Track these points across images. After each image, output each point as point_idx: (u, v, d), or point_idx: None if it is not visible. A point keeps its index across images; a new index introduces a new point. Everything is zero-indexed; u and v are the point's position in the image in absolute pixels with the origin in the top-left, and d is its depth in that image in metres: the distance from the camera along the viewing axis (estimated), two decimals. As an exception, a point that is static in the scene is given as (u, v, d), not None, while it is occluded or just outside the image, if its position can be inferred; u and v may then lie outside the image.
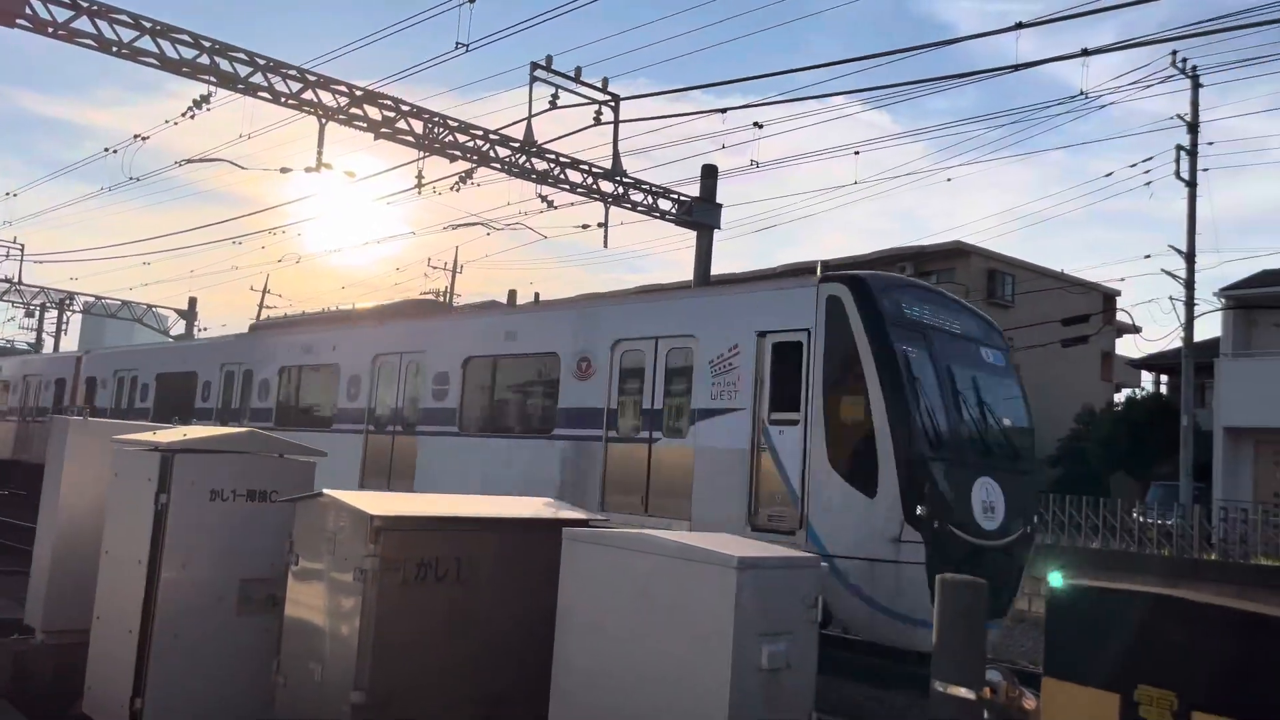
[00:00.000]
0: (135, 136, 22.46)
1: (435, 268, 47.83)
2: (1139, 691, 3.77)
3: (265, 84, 17.21)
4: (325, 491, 6.13)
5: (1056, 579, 3.95)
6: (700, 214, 23.09)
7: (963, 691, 3.84)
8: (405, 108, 18.76)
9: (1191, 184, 30.01)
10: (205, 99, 18.42)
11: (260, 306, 51.31)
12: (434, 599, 5.82)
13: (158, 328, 44.18)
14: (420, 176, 19.88)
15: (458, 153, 19.51)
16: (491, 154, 20.01)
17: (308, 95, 17.68)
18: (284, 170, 19.37)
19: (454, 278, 46.94)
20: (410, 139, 18.88)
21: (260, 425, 17.74)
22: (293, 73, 17.48)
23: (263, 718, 6.33)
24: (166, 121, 40.09)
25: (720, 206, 23.58)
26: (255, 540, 7.23)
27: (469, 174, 20.26)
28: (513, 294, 30.45)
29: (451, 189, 20.52)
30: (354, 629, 5.58)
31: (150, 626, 6.67)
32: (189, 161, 21.65)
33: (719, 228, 23.54)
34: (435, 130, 19.13)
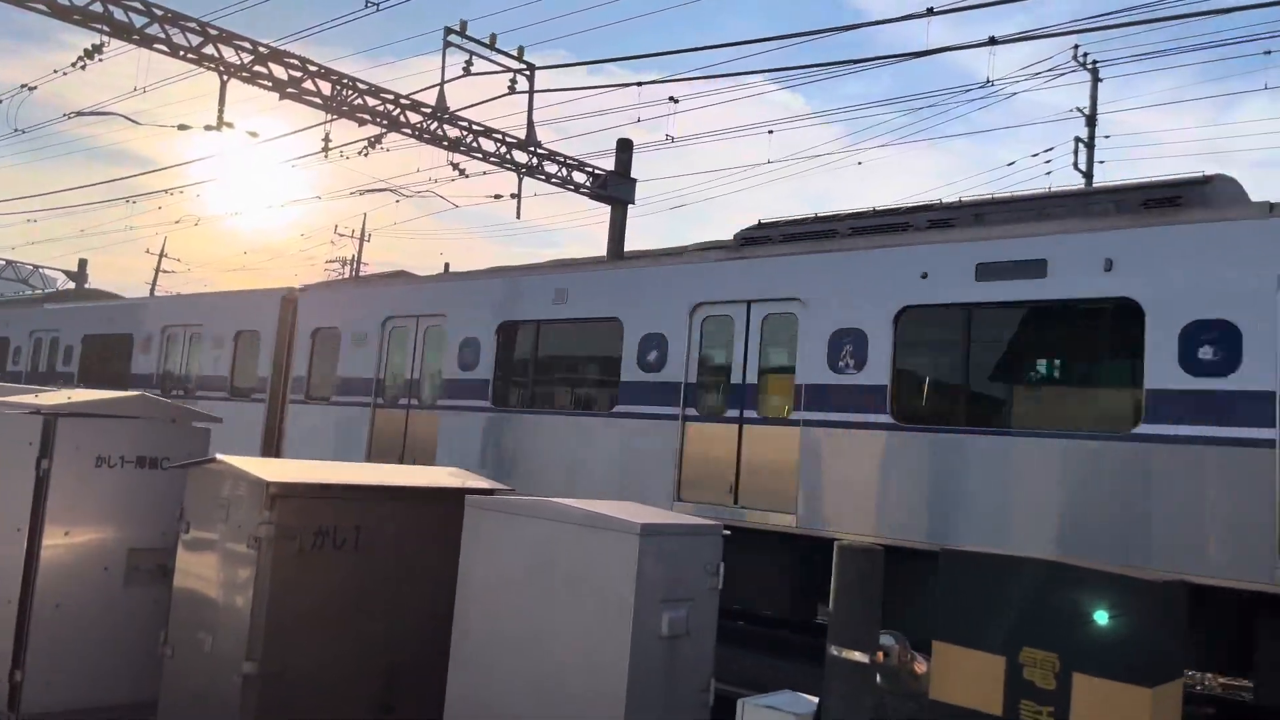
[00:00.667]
0: (21, 86, 21.30)
1: (342, 235, 46.71)
2: (1023, 654, 3.91)
3: (162, 35, 16.45)
4: (219, 457, 5.94)
5: None
6: (615, 188, 23.01)
7: (857, 655, 3.92)
8: (313, 68, 18.16)
9: (1088, 175, 31.08)
10: (98, 49, 17.52)
11: (157, 270, 49.38)
12: (332, 568, 5.71)
13: (45, 290, 42.20)
14: (327, 140, 19.27)
15: (367, 117, 18.98)
16: (402, 119, 19.54)
17: (208, 50, 16.97)
18: (182, 127, 18.59)
19: (362, 245, 45.92)
20: (317, 100, 18.29)
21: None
22: (192, 25, 16.76)
23: (151, 692, 6.14)
24: (56, 71, 38.06)
25: (635, 181, 23.52)
26: (145, 509, 6.98)
27: (378, 139, 19.75)
28: (447, 266, 29.81)
29: (360, 154, 19.96)
30: (247, 599, 5.44)
31: (30, 597, 6.40)
32: (79, 114, 20.60)
33: (633, 203, 23.48)
34: (344, 92, 18.58)
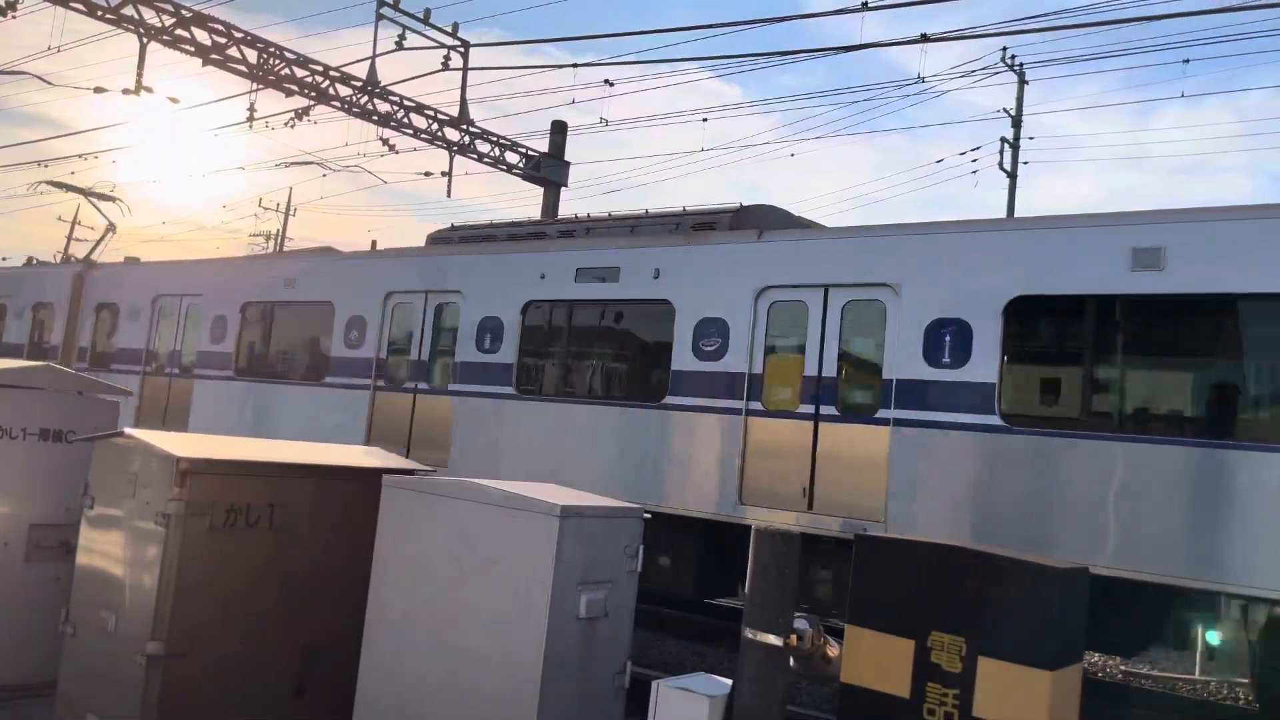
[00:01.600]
0: (-74, 41, 20.32)
1: (267, 208, 45.59)
2: (932, 637, 4.00)
3: (80, -6, 15.86)
4: (126, 431, 5.76)
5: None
6: (548, 170, 22.87)
7: (770, 638, 3.96)
8: (238, 34, 17.68)
9: (1012, 175, 31.82)
10: (11, 6, 16.79)
11: (69, 239, 47.58)
12: (244, 546, 5.58)
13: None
14: (252, 110, 18.80)
15: (294, 87, 18.57)
16: (331, 91, 19.16)
17: (128, 11, 16.40)
18: (98, 90, 17.93)
19: (287, 219, 44.89)
20: (243, 69, 17.82)
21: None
22: (112, -15, 16.18)
23: (51, 672, 5.93)
24: (-35, 29, 36.40)
25: (568, 164, 23.42)
26: (48, 483, 6.76)
27: (306, 111, 19.31)
28: (374, 243, 29.29)
29: (286, 125, 19.52)
30: (153, 577, 5.28)
31: (-79, 573, 6.14)
32: (-11, 73, 19.72)
33: (566, 185, 23.39)
34: (270, 61, 18.13)
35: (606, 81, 20.00)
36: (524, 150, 22.64)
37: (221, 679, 5.40)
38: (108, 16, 16.29)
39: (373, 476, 5.59)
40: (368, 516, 5.47)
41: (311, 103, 19.12)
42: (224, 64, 17.59)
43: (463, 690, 4.71)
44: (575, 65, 19.34)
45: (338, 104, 19.31)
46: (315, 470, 6.00)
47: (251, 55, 17.92)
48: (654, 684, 4.36)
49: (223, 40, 17.46)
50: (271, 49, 18.18)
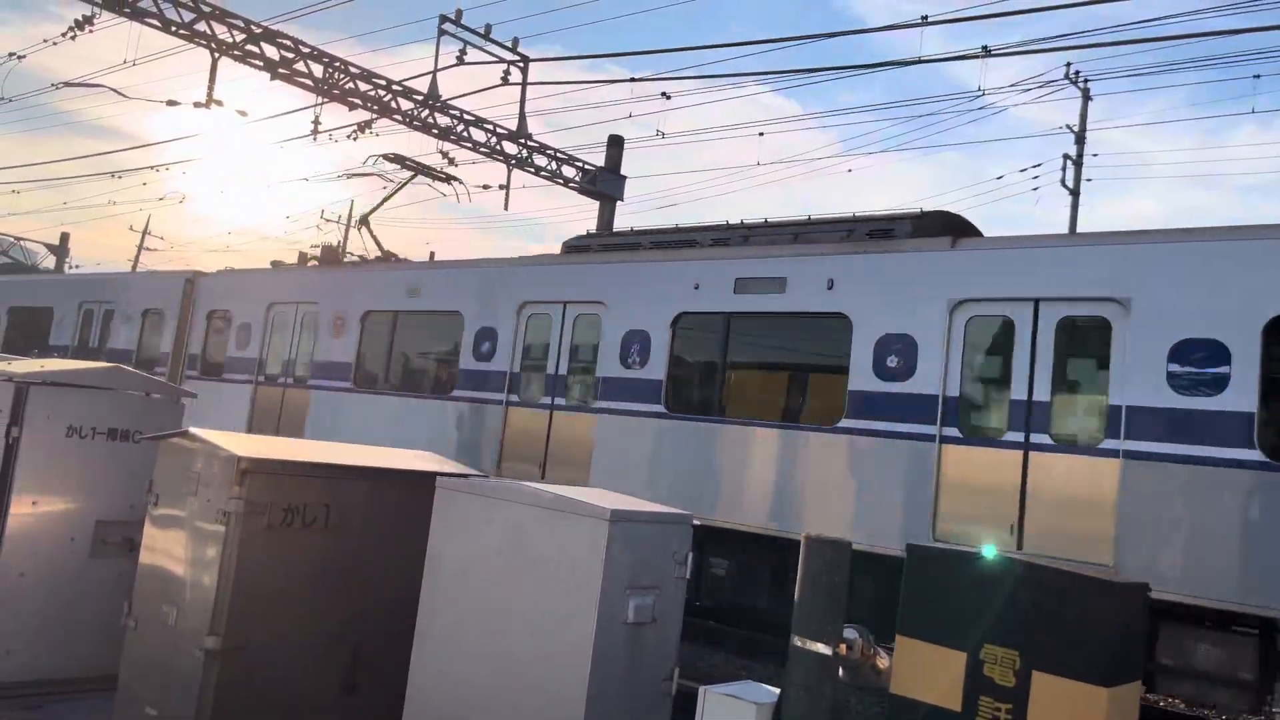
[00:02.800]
0: (10, 54, 21.15)
1: (329, 220, 46.42)
2: (985, 650, 3.93)
3: (155, 10, 16.38)
4: (190, 430, 5.90)
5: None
6: (604, 184, 23.01)
7: (820, 647, 3.93)
8: (305, 49, 18.11)
9: (1075, 193, 31.26)
10: (88, 20, 17.41)
11: (140, 248, 48.96)
12: (300, 545, 5.68)
13: (26, 262, 41.81)
14: (317, 122, 19.22)
15: (358, 101, 18.95)
16: (393, 105, 19.51)
17: (201, 26, 16.89)
18: (171, 103, 18.48)
19: (348, 230, 45.64)
20: (309, 82, 18.25)
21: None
22: (186, 1, 16.67)
23: (113, 664, 6.09)
24: (45, 41, 37.70)
25: (624, 178, 23.53)
26: (114, 481, 6.93)
27: (369, 124, 19.71)
28: (432, 255, 29.72)
29: (349, 137, 19.93)
30: (213, 574, 5.40)
31: (-6, 564, 6.35)
32: (67, 85, 20.42)
33: (622, 199, 23.50)
34: (335, 75, 18.53)
35: (664, 94, 20.10)
36: (581, 164, 22.82)
37: (275, 674, 5.50)
38: (181, 32, 16.78)
39: (426, 479, 5.66)
40: (420, 519, 5.53)
41: (374, 116, 19.50)
42: (291, 78, 18.02)
43: (510, 691, 4.74)
44: (633, 80, 19.46)
45: (399, 117, 19.66)
46: (370, 472, 6.09)
47: (317, 69, 18.34)
48: (701, 689, 4.35)
49: (290, 55, 17.89)
50: (337, 64, 18.59)
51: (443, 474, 5.73)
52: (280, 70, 17.77)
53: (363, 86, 18.98)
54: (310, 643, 5.64)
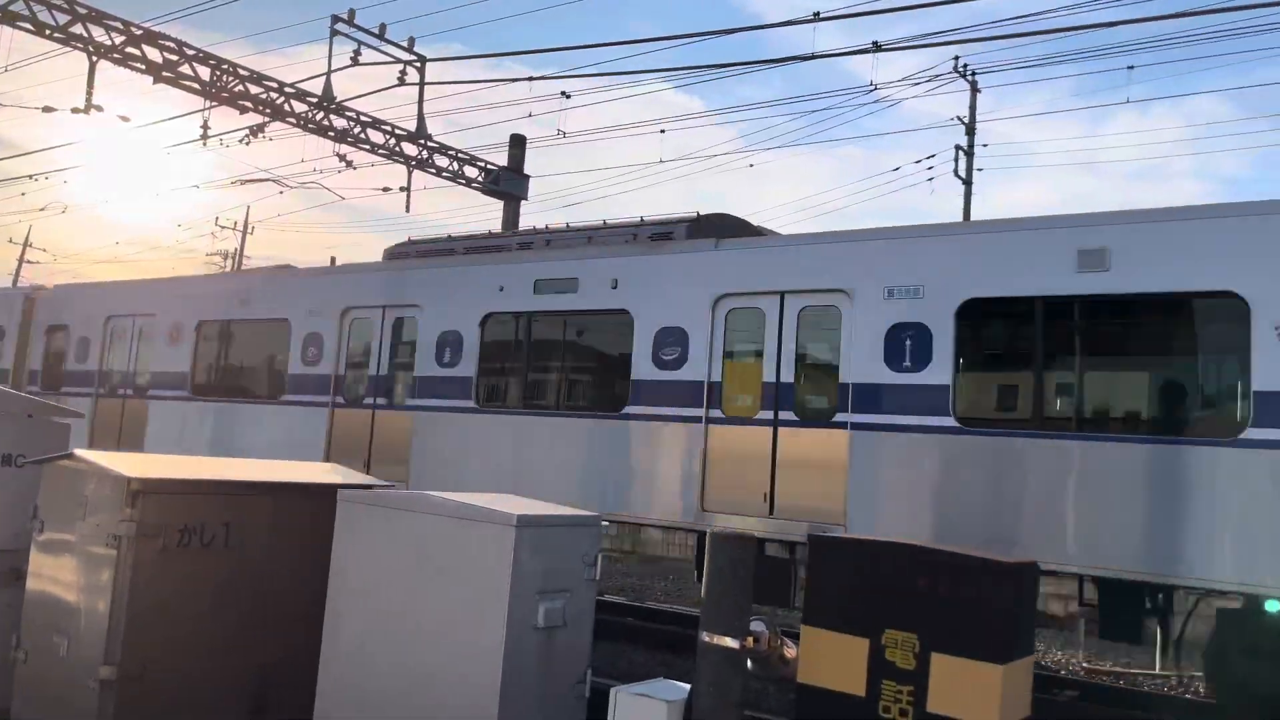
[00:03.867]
0: None
1: (224, 227, 45.08)
2: (886, 635, 4.04)
3: (27, 13, 15.65)
4: (77, 452, 5.67)
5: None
6: (507, 184, 22.84)
7: (727, 642, 3.99)
8: (190, 51, 17.52)
9: (968, 183, 32.23)
10: (-46, 25, 16.52)
11: (20, 260, 46.72)
12: (199, 566, 5.51)
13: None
14: (206, 127, 18.65)
15: (249, 104, 18.42)
16: (286, 108, 19.02)
17: (77, 29, 16.20)
18: (47, 110, 17.69)
19: (244, 237, 44.42)
20: (195, 86, 17.66)
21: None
22: (60, 3, 15.97)
23: (4, 698, 5.82)
24: (-91, 49, 35.67)
25: (528, 178, 23.40)
26: (-4, 508, 6.62)
27: (261, 128, 19.17)
28: (333, 260, 29.05)
29: (241, 142, 19.36)
30: (106, 600, 5.21)
31: None
32: (-66, 94, 19.36)
33: (526, 198, 23.36)
34: (224, 78, 17.98)
35: (563, 94, 20.05)
36: (483, 164, 22.62)
37: (178, 701, 5.33)
38: (56, 35, 16.08)
39: (330, 492, 5.55)
40: (326, 533, 5.43)
41: (266, 119, 18.98)
42: (176, 81, 17.41)
43: (422, 702, 4.69)
44: (531, 79, 19.37)
45: (293, 120, 19.18)
46: (271, 488, 5.94)
47: (204, 72, 17.77)
48: (612, 691, 4.37)
49: (174, 58, 17.29)
50: (224, 66, 18.04)
51: (344, 486, 5.63)
52: (164, 74, 17.16)
53: (253, 89, 18.45)
54: (214, 666, 5.48)
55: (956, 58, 29.55)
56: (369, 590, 5.04)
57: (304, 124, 19.33)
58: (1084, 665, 12.07)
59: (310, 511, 5.79)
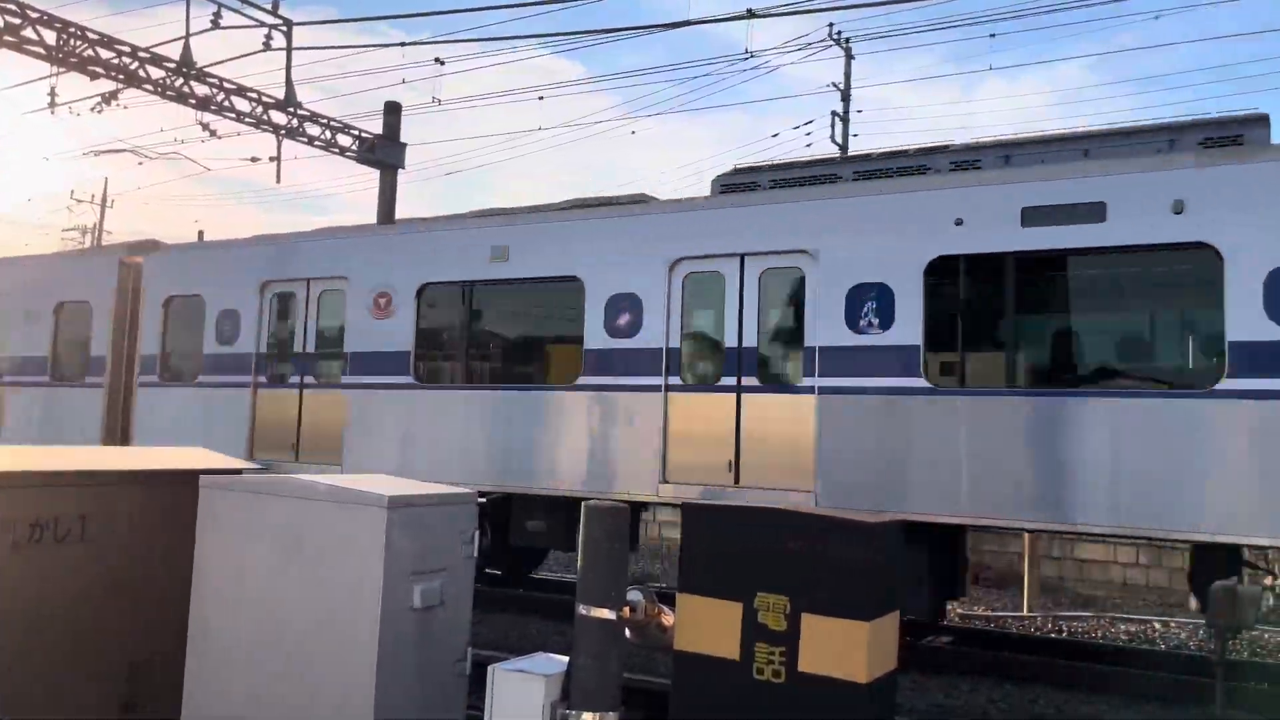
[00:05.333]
0: None
1: (80, 200, 42.75)
2: (758, 599, 4.13)
3: None
4: (-90, 448, 5.30)
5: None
6: (383, 153, 22.25)
7: (604, 613, 4.01)
8: (34, 14, 16.41)
9: (843, 148, 32.91)
10: None
11: None
12: (55, 562, 5.23)
13: None
14: (53, 94, 17.52)
15: (100, 70, 17.39)
16: (141, 74, 18.03)
17: (-98, -11, 14.98)
18: (-128, 77, 16.33)
19: (104, 211, 42.21)
20: (40, 50, 16.57)
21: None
22: (-120, -40, 14.74)
23: None
24: None
25: (404, 146, 22.84)
26: None
27: (114, 95, 18.14)
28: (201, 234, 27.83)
29: (93, 110, 18.28)
30: (-49, 603, 4.90)
31: None
32: None
33: (403, 168, 22.81)
34: (71, 43, 16.91)
35: (437, 60, 19.60)
36: (357, 132, 21.96)
37: (40, 703, 5.07)
38: (-123, -5, 14.85)
39: (193, 478, 5.33)
40: (193, 521, 5.22)
41: (120, 86, 17.97)
42: (19, 46, 16.31)
43: (296, 694, 4.58)
44: (403, 44, 18.86)
45: (149, 87, 18.21)
46: (129, 476, 5.67)
47: (50, 36, 16.69)
48: (490, 668, 4.35)
49: (16, 20, 16.18)
50: (72, 29, 16.97)
51: (206, 471, 5.42)
52: (5, 38, 16.04)
53: (104, 54, 17.41)
54: (79, 666, 5.24)
55: (831, 24, 30.08)
56: (236, 579, 4.87)
57: (161, 91, 18.38)
58: (958, 612, 12.65)
59: (175, 499, 5.56)
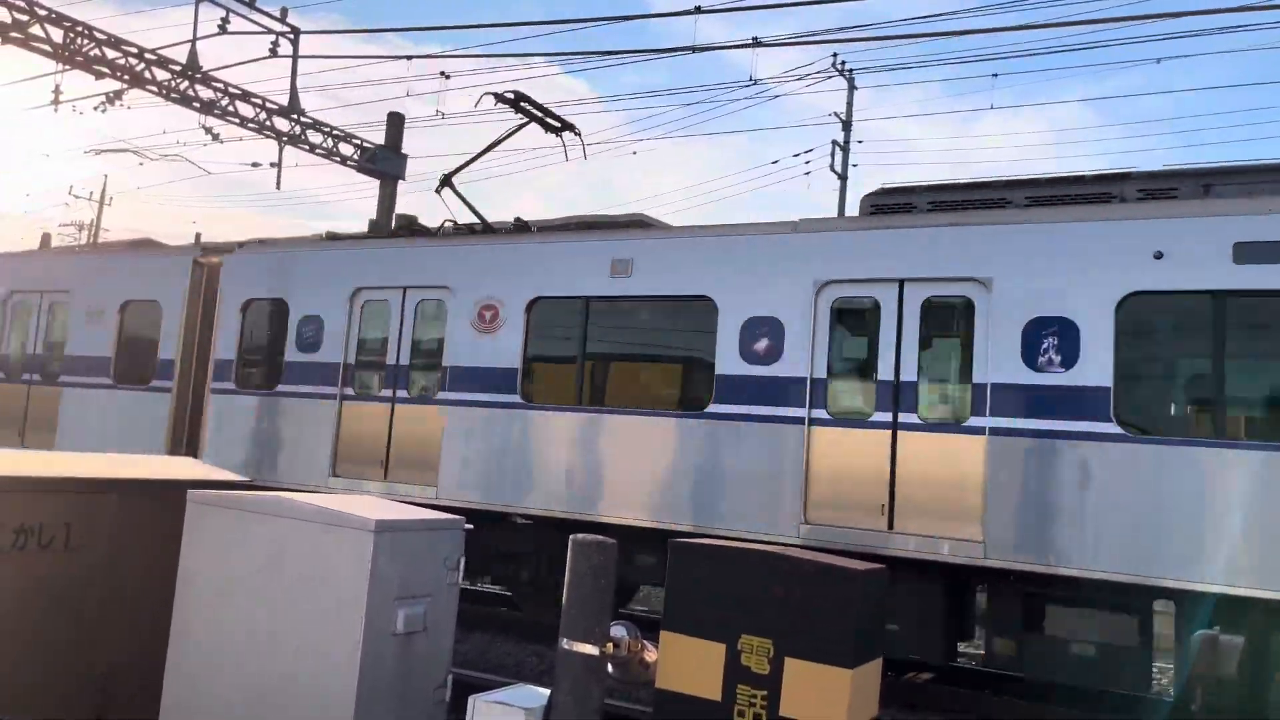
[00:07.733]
0: None
1: (79, 197, 42.71)
2: (742, 641, 4.13)
3: None
4: (-104, 449, 5.28)
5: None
6: (384, 163, 22.29)
7: (586, 648, 4.01)
8: (42, 11, 16.44)
9: (843, 177, 33.09)
10: None
11: None
12: (37, 570, 5.21)
13: None
14: (58, 92, 17.52)
15: (105, 70, 17.40)
16: (147, 75, 18.05)
17: (-90, -18, 15.00)
18: (-124, 67, 16.30)
19: (102, 208, 42.13)
20: (47, 48, 16.58)
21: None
22: (-110, -48, 14.76)
23: None
24: None
25: (406, 157, 22.89)
26: None
27: (118, 95, 18.14)
28: (198, 236, 27.79)
29: (97, 109, 18.28)
30: (-70, 607, 4.87)
31: None
32: None
33: (403, 178, 22.85)
34: (79, 41, 16.93)
35: (442, 74, 19.67)
36: (359, 142, 22.01)
37: (14, 712, 5.04)
38: (-114, -14, 14.86)
39: (181, 489, 5.32)
40: (178, 534, 5.20)
41: (125, 86, 17.99)
42: (25, 43, 16.32)
43: (274, 713, 4.55)
44: (409, 57, 18.94)
45: (154, 89, 18.23)
46: (116, 485, 5.65)
47: (57, 34, 16.71)
48: (470, 699, 4.34)
49: (24, 17, 16.20)
50: (80, 28, 17.00)
51: (195, 484, 5.41)
52: (12, 35, 16.06)
53: (111, 54, 17.44)
54: (55, 676, 5.20)
55: (835, 54, 30.31)
56: (219, 596, 4.85)
57: (166, 93, 18.40)
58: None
59: (160, 510, 5.54)
